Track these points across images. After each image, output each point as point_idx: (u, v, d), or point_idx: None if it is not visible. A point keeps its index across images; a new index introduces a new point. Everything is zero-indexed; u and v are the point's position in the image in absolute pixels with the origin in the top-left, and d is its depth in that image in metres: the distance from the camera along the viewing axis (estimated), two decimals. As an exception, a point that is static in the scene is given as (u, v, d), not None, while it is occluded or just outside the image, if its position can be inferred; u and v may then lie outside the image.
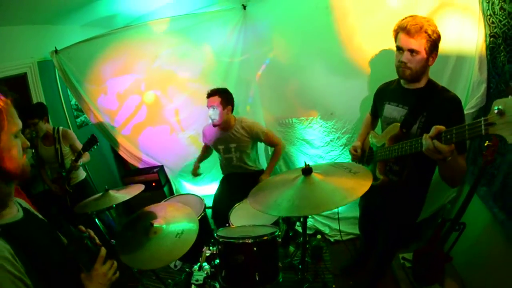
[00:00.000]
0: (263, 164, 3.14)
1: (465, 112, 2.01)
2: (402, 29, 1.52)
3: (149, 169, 3.61)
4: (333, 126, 2.94)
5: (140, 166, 3.69)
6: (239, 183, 2.78)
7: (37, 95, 3.27)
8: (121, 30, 3.11)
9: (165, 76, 3.21)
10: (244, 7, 2.89)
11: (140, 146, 3.59)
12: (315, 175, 1.41)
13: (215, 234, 1.81)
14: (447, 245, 1.93)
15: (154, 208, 1.98)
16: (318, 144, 3.08)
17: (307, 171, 1.41)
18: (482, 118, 1.00)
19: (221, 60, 3.11)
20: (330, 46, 2.63)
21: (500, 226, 1.78)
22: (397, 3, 2.28)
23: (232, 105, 2.68)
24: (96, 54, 3.16)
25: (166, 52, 3.13)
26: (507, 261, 1.74)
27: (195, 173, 3.06)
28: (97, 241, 1.18)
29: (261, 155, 3.34)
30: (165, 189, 3.60)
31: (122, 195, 2.21)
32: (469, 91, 2.09)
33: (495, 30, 1.82)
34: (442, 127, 1.20)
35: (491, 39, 1.87)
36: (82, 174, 3.11)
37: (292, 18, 2.77)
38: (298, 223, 2.26)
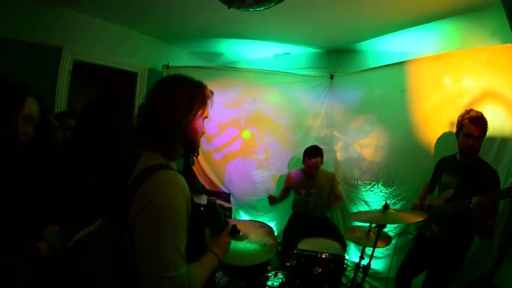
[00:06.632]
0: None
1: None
2: (471, 121, 2.05)
3: (217, 193, 3.90)
4: (391, 192, 3.26)
5: (207, 187, 4.05)
6: (305, 223, 3.10)
7: (140, 95, 3.80)
8: (229, 69, 3.80)
9: (264, 119, 3.81)
10: (332, 76, 3.55)
11: (226, 172, 4.04)
12: (390, 210, 1.97)
13: (294, 251, 2.23)
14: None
15: (232, 221, 2.00)
16: (375, 206, 3.39)
17: (386, 206, 1.98)
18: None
19: (308, 117, 3.70)
20: (401, 125, 3.12)
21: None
22: (450, 88, 2.78)
23: None
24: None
25: (267, 101, 3.79)
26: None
27: (273, 202, 3.28)
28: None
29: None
30: (225, 215, 3.97)
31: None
32: (510, 168, 2.39)
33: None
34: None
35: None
36: None
37: (370, 94, 3.35)
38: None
